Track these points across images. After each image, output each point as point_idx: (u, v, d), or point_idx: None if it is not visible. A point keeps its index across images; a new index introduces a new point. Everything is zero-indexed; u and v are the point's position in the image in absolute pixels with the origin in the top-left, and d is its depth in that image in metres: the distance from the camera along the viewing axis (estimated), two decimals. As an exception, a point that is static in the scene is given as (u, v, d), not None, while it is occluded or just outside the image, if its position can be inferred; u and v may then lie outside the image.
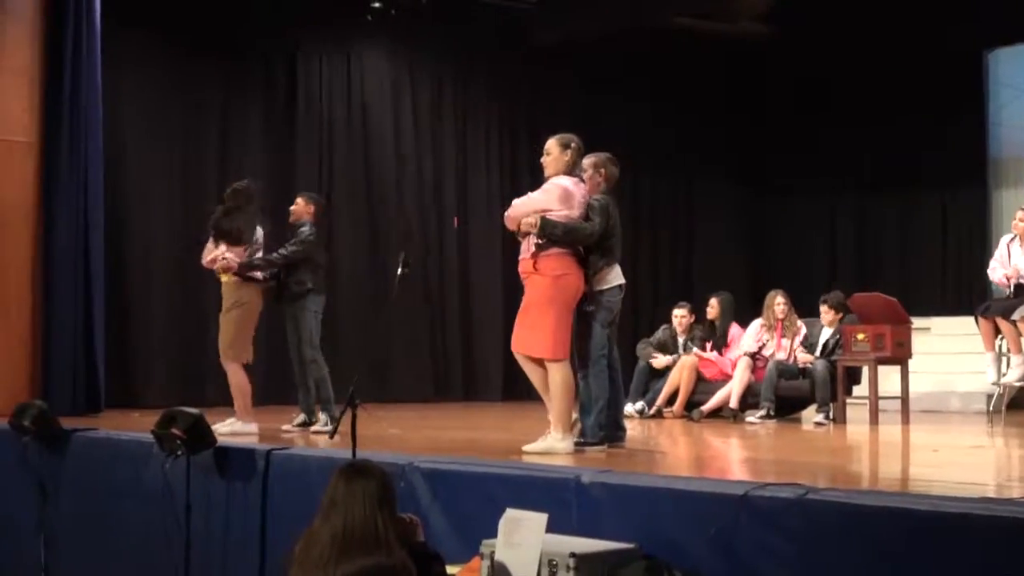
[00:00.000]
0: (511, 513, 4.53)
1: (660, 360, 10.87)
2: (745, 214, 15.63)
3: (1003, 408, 9.63)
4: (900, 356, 9.64)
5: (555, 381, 6.56)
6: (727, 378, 10.46)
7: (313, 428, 8.50)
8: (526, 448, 6.54)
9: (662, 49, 13.96)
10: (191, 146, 12.19)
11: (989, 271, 9.84)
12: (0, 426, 8.41)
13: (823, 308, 10.23)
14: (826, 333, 10.19)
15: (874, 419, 9.43)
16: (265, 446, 6.85)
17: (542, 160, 6.85)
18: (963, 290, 13.73)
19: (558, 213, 6.58)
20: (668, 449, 8.18)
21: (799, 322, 10.45)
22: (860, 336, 9.61)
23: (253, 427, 8.25)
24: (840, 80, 14.36)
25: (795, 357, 10.22)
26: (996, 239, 12.88)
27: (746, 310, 11.36)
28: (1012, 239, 9.63)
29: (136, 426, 8.14)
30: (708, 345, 10.97)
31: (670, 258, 15.26)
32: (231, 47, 12.35)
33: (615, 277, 6.90)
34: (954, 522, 3.89)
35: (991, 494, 5.04)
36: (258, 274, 8.55)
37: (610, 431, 6.89)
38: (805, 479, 4.98)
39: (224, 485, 6.74)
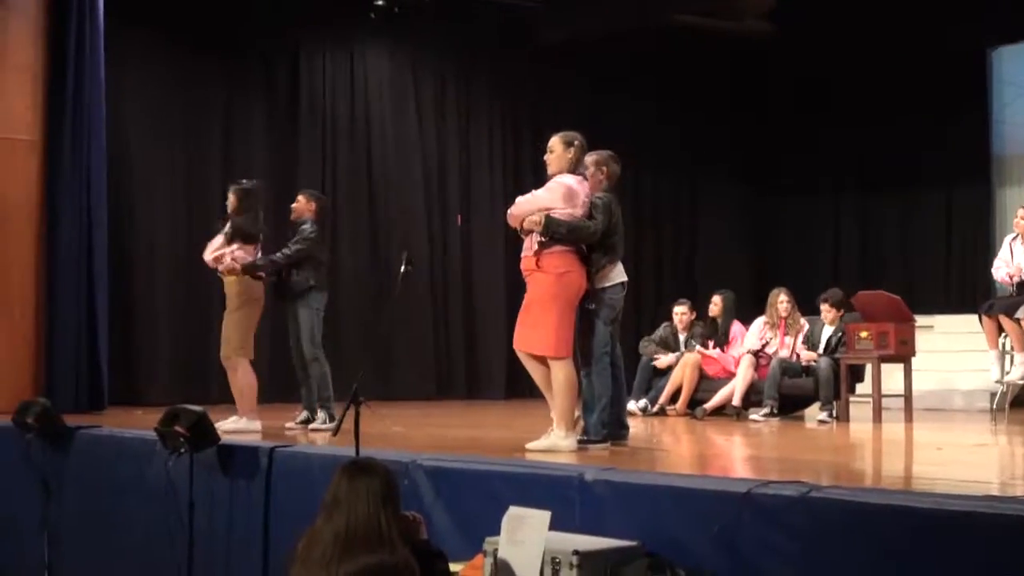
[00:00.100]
0: (514, 511, 4.53)
1: (664, 360, 10.87)
2: (748, 212, 15.63)
3: (1007, 406, 9.63)
4: (904, 354, 9.63)
5: (558, 379, 6.56)
6: (730, 376, 10.45)
7: (312, 426, 8.50)
8: (529, 446, 6.54)
9: (666, 48, 13.97)
10: (194, 144, 12.19)
11: (993, 270, 9.84)
12: (3, 424, 8.42)
13: (823, 307, 10.23)
14: (828, 331, 10.18)
15: (877, 417, 9.43)
16: (268, 444, 6.86)
17: (545, 158, 6.85)
18: (966, 288, 13.73)
19: (562, 212, 6.58)
20: (671, 447, 8.18)
21: (802, 320, 10.45)
22: (864, 334, 9.60)
23: (257, 424, 8.26)
24: (844, 79, 14.35)
25: (798, 355, 10.22)
26: (999, 237, 12.89)
27: (749, 308, 11.35)
28: (1014, 238, 9.64)
29: (139, 424, 8.14)
30: (710, 343, 10.97)
31: (673, 256, 15.26)
32: (234, 45, 12.36)
33: (617, 275, 6.90)
34: (958, 520, 3.89)
35: (995, 492, 5.04)
36: (261, 273, 8.56)
37: (613, 429, 6.89)
38: (808, 477, 4.98)
39: (227, 483, 6.74)
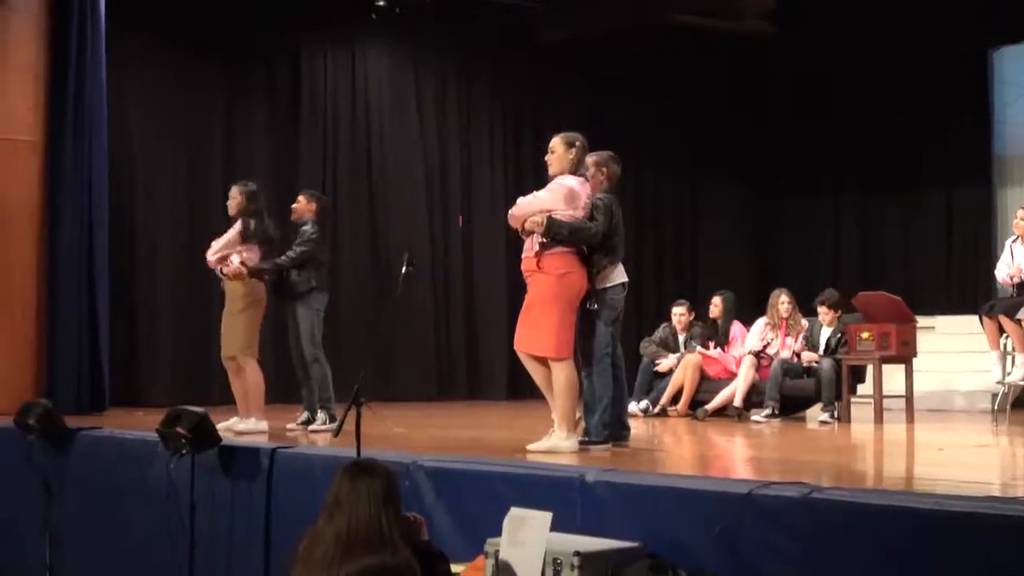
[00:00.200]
0: (515, 512, 4.53)
1: (665, 363, 10.86)
2: (749, 213, 15.63)
3: (1008, 407, 9.64)
4: (905, 355, 9.63)
5: (559, 380, 6.56)
6: (731, 376, 10.45)
7: (312, 427, 8.50)
8: (530, 447, 6.54)
9: (666, 48, 13.97)
10: (195, 145, 12.20)
11: (996, 271, 9.85)
12: (5, 425, 8.42)
13: (821, 309, 10.22)
14: (826, 332, 10.17)
15: (878, 418, 9.42)
16: (270, 445, 6.87)
17: (546, 158, 6.84)
18: (967, 289, 13.72)
19: (563, 213, 6.58)
20: (672, 448, 8.17)
21: (803, 321, 10.44)
22: (865, 335, 9.60)
23: (264, 425, 8.27)
24: (844, 79, 14.35)
25: (798, 355, 10.21)
26: (1000, 238, 12.90)
27: (750, 309, 11.35)
28: (1015, 239, 9.65)
29: (140, 425, 8.15)
30: (711, 344, 10.96)
31: (674, 256, 15.26)
32: (235, 46, 12.37)
33: (618, 275, 6.90)
34: (959, 521, 3.88)
35: (996, 493, 5.04)
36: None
37: (614, 430, 6.89)
38: (809, 478, 4.98)
39: (228, 484, 6.74)
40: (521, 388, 12.33)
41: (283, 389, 10.39)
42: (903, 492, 4.91)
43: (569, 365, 6.59)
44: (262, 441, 7.52)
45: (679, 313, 11.27)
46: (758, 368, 10.28)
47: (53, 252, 10.34)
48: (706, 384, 10.58)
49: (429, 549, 4.54)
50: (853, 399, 9.87)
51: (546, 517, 4.42)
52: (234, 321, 8.36)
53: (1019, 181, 13.69)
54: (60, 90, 10.41)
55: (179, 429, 6.62)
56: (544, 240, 6.55)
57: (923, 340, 10.19)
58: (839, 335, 10.02)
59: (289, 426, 8.60)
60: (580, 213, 6.63)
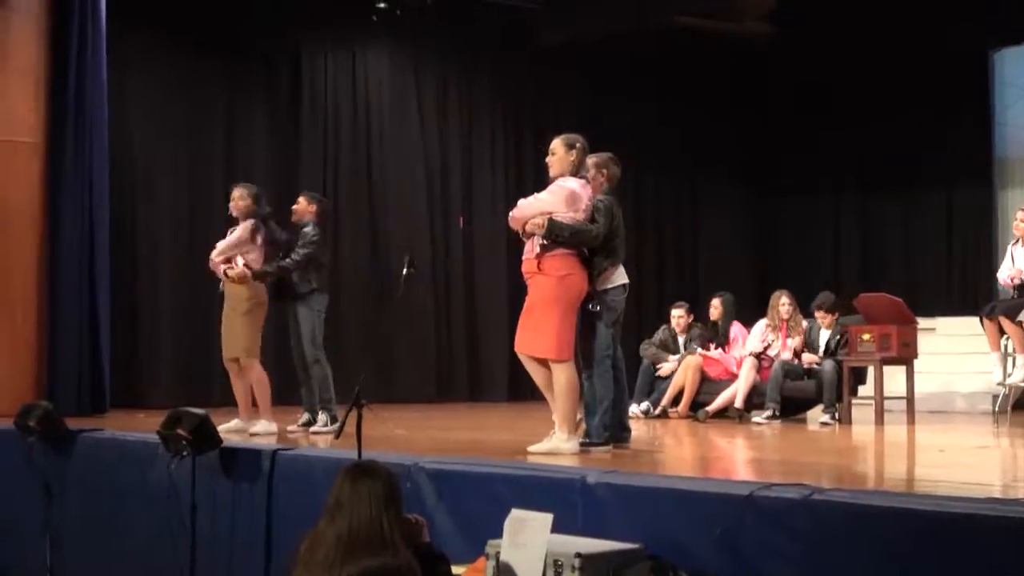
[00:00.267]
0: (516, 513, 4.53)
1: (666, 367, 10.84)
2: (749, 214, 15.63)
3: (1008, 408, 9.63)
4: (906, 356, 9.63)
5: (559, 381, 6.56)
6: (732, 377, 10.45)
7: (313, 428, 8.50)
8: (531, 448, 6.54)
9: (667, 49, 13.97)
10: (196, 146, 12.21)
11: (998, 274, 9.87)
12: (6, 427, 8.42)
13: (818, 314, 10.22)
14: (825, 335, 10.16)
15: (879, 419, 9.42)
16: (271, 446, 6.86)
17: (547, 160, 6.84)
18: (968, 290, 13.73)
19: (564, 215, 6.58)
20: (673, 449, 8.17)
21: (804, 322, 10.44)
22: (866, 336, 9.60)
23: (274, 427, 8.29)
24: (845, 80, 14.35)
25: (799, 356, 10.20)
26: (1001, 239, 12.92)
27: (751, 310, 11.35)
28: (1015, 242, 9.65)
29: (141, 427, 8.15)
30: (712, 345, 10.96)
31: (675, 258, 15.26)
32: (236, 46, 12.37)
33: (619, 277, 6.90)
34: (960, 522, 3.88)
35: (997, 494, 5.04)
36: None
37: (615, 431, 6.88)
38: (810, 479, 4.98)
39: (230, 486, 6.74)
40: (522, 390, 12.32)
41: (283, 391, 10.38)
42: (904, 494, 4.91)
43: (570, 367, 6.59)
44: (264, 443, 7.52)
45: (678, 315, 11.27)
46: (759, 370, 10.28)
47: (54, 253, 10.35)
48: (707, 386, 10.58)
49: (430, 551, 4.54)
50: (854, 400, 9.87)
51: (547, 519, 4.42)
52: (237, 323, 8.36)
53: (1020, 182, 13.69)
54: (61, 91, 10.42)
55: (180, 431, 6.62)
56: (545, 242, 6.55)
57: (924, 341, 10.19)
58: (838, 337, 10.02)
59: (290, 428, 8.59)
60: (581, 215, 6.63)
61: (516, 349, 6.81)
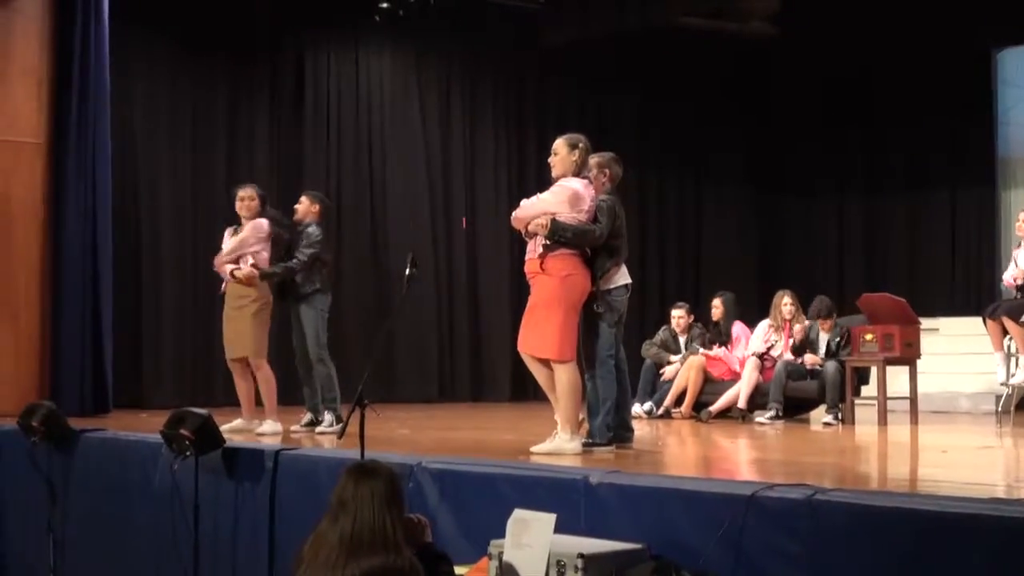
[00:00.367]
0: (519, 514, 4.53)
1: (670, 370, 10.83)
2: (753, 214, 15.63)
3: (1012, 409, 9.63)
4: (909, 356, 9.63)
5: (562, 382, 6.56)
6: (735, 377, 10.45)
7: (318, 428, 8.50)
8: (534, 449, 6.54)
9: (670, 49, 13.96)
10: (199, 146, 12.21)
11: (1004, 276, 9.87)
12: (9, 427, 8.43)
13: (817, 323, 10.20)
14: (825, 338, 10.14)
15: (883, 420, 9.42)
16: (274, 446, 6.86)
17: (550, 160, 6.84)
18: (971, 290, 13.73)
19: (567, 215, 6.57)
20: (676, 450, 8.17)
21: (805, 321, 10.43)
22: (869, 336, 9.60)
23: (280, 427, 8.29)
24: (848, 80, 14.35)
25: (802, 358, 10.19)
26: (1005, 239, 12.91)
27: (754, 310, 11.35)
28: (1019, 245, 9.66)
29: (144, 427, 8.16)
30: (715, 346, 10.94)
31: (677, 258, 15.25)
32: (239, 47, 12.37)
33: (621, 277, 6.89)
34: (963, 523, 3.88)
35: (1000, 495, 5.03)
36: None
37: (618, 432, 6.88)
38: (813, 480, 4.98)
39: (232, 486, 6.74)
40: (524, 390, 12.34)
41: (286, 391, 10.38)
42: (907, 494, 4.90)
43: (572, 367, 6.59)
44: (267, 442, 7.52)
45: (677, 315, 11.27)
46: (762, 370, 10.28)
47: (57, 254, 10.36)
48: (710, 386, 10.57)
49: (433, 551, 4.54)
50: (857, 401, 9.87)
51: (550, 519, 4.42)
52: (245, 323, 8.35)
53: (1023, 182, 13.68)
54: (64, 92, 10.42)
55: (183, 431, 6.62)
56: (547, 242, 6.55)
57: (927, 342, 10.19)
58: (838, 338, 10.01)
59: (293, 428, 8.60)
60: (584, 216, 6.63)
61: (519, 349, 6.81)
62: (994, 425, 9.60)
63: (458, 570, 4.60)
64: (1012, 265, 9.59)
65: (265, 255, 8.43)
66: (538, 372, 6.70)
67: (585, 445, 6.63)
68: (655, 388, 10.88)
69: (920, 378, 9.79)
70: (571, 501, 4.93)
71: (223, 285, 8.55)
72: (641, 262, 13.54)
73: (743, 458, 7.69)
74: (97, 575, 7.76)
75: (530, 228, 6.62)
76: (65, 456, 8.02)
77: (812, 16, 13.30)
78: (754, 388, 10.18)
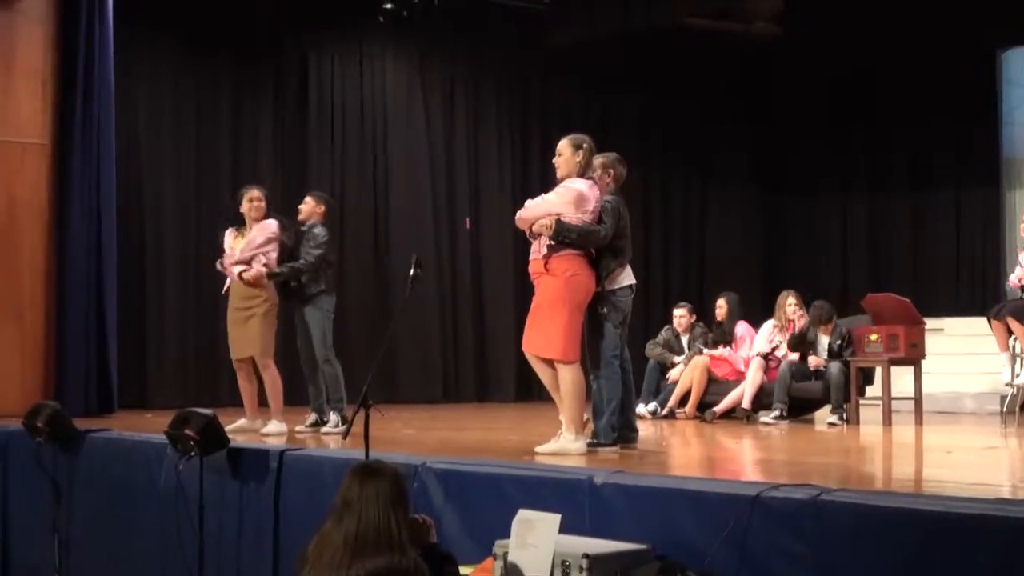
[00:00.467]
0: (524, 514, 4.53)
1: (675, 372, 10.82)
2: (757, 214, 15.63)
3: (1017, 409, 9.61)
4: (914, 357, 9.62)
5: (566, 382, 6.55)
6: (739, 377, 10.44)
7: (324, 429, 8.50)
8: (539, 449, 6.54)
9: (674, 50, 13.96)
10: (204, 147, 12.22)
11: (1011, 277, 9.86)
12: (14, 427, 8.44)
13: (819, 329, 10.18)
14: (825, 340, 10.10)
15: (887, 420, 9.41)
16: (278, 446, 6.86)
17: (554, 161, 6.84)
18: (976, 291, 13.72)
19: (572, 216, 6.57)
20: (681, 450, 8.17)
21: (805, 320, 10.40)
22: (873, 337, 9.59)
23: (284, 427, 8.30)
24: (852, 80, 14.35)
25: (801, 354, 10.18)
26: (1009, 240, 12.89)
27: (758, 310, 11.34)
28: (1023, 248, 9.66)
29: (149, 427, 8.16)
30: (720, 346, 10.93)
31: (682, 258, 15.25)
32: (243, 48, 12.39)
33: (626, 277, 6.89)
34: (968, 523, 3.88)
35: (1006, 495, 5.03)
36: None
37: (622, 432, 6.88)
38: (818, 480, 4.97)
39: (237, 486, 6.75)
40: (529, 390, 12.35)
41: (290, 391, 10.37)
42: (912, 494, 4.90)
43: (576, 367, 6.59)
44: (272, 443, 7.53)
45: (679, 315, 11.27)
46: (766, 370, 10.28)
47: (62, 254, 10.37)
48: (714, 386, 10.57)
49: (437, 551, 4.55)
50: (862, 401, 9.86)
51: (555, 519, 4.42)
52: (253, 324, 8.34)
53: (1028, 183, 13.68)
54: (68, 93, 10.44)
55: (188, 431, 6.63)
56: (552, 242, 6.55)
57: (932, 342, 10.18)
58: (839, 340, 9.99)
59: (298, 428, 8.60)
60: (589, 216, 6.63)
61: (523, 349, 6.81)
62: (999, 426, 9.59)
63: (463, 570, 4.60)
64: (1018, 266, 9.59)
65: (274, 256, 8.44)
66: (543, 372, 6.70)
67: (590, 445, 6.64)
68: (659, 388, 10.88)
69: (925, 378, 9.78)
70: (576, 501, 4.93)
71: (226, 285, 8.55)
72: (645, 262, 13.54)
73: (748, 458, 7.69)
74: (102, 575, 7.76)
75: (534, 229, 6.62)
76: (70, 456, 8.03)
77: (816, 16, 13.29)
78: (758, 388, 10.18)
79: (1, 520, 8.58)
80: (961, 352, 11.78)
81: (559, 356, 6.55)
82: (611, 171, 7.02)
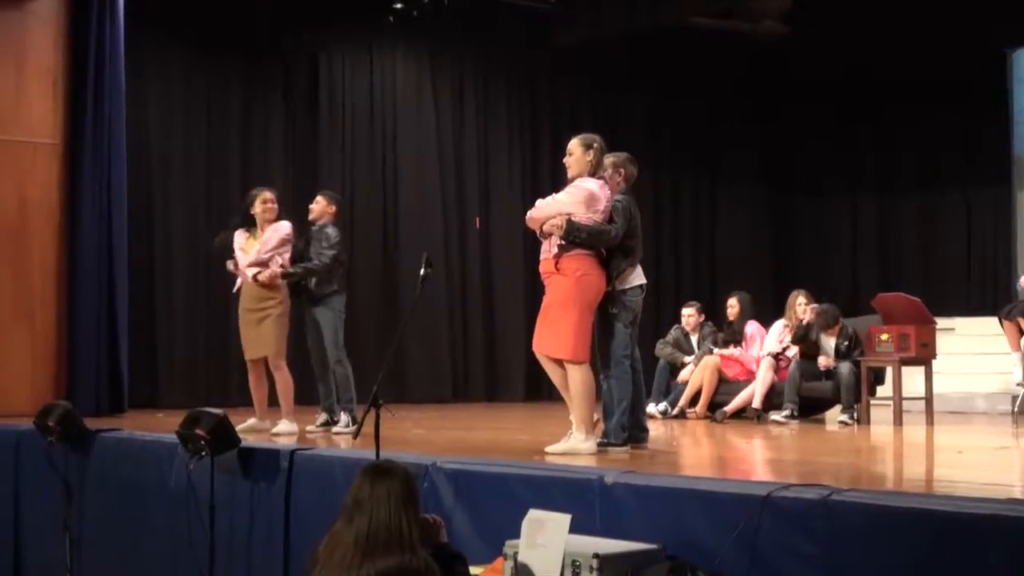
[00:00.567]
0: (534, 514, 4.53)
1: (685, 372, 10.81)
2: (767, 214, 15.61)
3: (1028, 409, 9.59)
4: (924, 356, 9.61)
5: (576, 382, 6.55)
6: (750, 377, 10.43)
7: (335, 429, 8.51)
8: (549, 449, 6.54)
9: (683, 49, 13.95)
10: (214, 147, 12.24)
11: (1021, 279, 9.85)
12: (26, 427, 8.46)
13: (825, 333, 10.17)
14: (832, 341, 10.06)
15: (898, 420, 9.40)
16: (289, 446, 6.87)
17: (565, 160, 6.84)
18: (987, 290, 13.69)
19: (583, 216, 6.57)
20: (691, 450, 8.16)
21: (810, 315, 10.38)
22: (884, 336, 9.58)
23: (295, 427, 8.31)
24: (861, 79, 14.32)
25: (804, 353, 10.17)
26: (1020, 239, 12.85)
27: (768, 310, 11.33)
28: None
29: (160, 427, 8.18)
30: (731, 346, 10.92)
31: (692, 258, 15.24)
32: (253, 47, 12.40)
33: (636, 277, 6.89)
34: (980, 523, 3.87)
35: (1017, 495, 5.02)
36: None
37: (633, 432, 6.88)
38: (829, 480, 4.98)
39: (248, 485, 6.76)
40: (539, 390, 12.35)
41: (301, 391, 10.37)
42: (922, 494, 4.89)
43: (586, 367, 6.59)
44: (282, 443, 7.54)
45: (688, 314, 11.27)
46: (777, 370, 10.26)
47: (73, 254, 10.39)
48: (724, 386, 10.56)
49: (448, 551, 4.54)
50: (872, 401, 9.85)
51: (565, 519, 4.42)
52: (267, 325, 8.33)
53: (1039, 183, 13.65)
54: (79, 93, 10.46)
55: (198, 431, 6.64)
56: (562, 242, 6.55)
57: (943, 342, 10.16)
58: (847, 341, 9.97)
59: (308, 428, 8.61)
60: (600, 216, 6.62)
61: (534, 349, 6.81)
62: (1010, 426, 9.56)
63: (473, 570, 4.61)
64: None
65: (287, 257, 8.45)
66: (553, 372, 6.70)
67: (600, 445, 6.64)
68: (669, 388, 10.87)
69: (936, 378, 9.77)
70: (586, 501, 4.93)
71: (237, 284, 8.56)
72: (656, 262, 13.53)
73: (758, 458, 7.68)
74: (113, 575, 7.78)
75: (545, 228, 6.62)
76: (81, 456, 8.05)
77: (824, 15, 13.26)
78: (769, 388, 10.17)
79: (13, 519, 8.59)
80: (972, 352, 11.76)
81: (569, 356, 6.55)
82: (622, 170, 7.01)
